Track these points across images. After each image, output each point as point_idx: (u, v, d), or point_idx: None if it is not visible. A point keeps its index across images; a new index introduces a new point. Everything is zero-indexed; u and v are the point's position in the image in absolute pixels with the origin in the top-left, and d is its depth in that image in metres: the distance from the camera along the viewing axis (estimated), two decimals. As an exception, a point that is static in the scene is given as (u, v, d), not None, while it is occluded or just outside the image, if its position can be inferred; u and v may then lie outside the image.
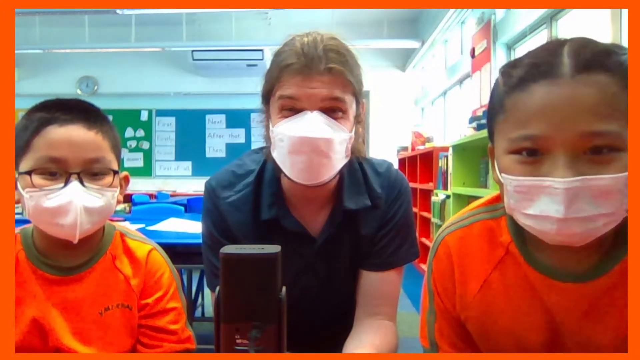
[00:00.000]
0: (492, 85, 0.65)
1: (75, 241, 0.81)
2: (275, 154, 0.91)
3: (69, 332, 0.85)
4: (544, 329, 0.64)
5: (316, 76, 0.85)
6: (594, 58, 0.56)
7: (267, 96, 0.92)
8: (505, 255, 0.68)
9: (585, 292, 0.61)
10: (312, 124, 0.84)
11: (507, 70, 0.62)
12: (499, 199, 0.71)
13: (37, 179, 0.80)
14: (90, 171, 0.82)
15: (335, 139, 0.85)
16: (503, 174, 0.61)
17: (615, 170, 0.54)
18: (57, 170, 0.80)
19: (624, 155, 0.54)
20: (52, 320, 0.84)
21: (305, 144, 0.84)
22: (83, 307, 0.86)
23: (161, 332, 0.90)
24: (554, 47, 0.59)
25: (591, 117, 0.54)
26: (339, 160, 0.89)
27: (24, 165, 0.81)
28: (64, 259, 0.86)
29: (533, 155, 0.57)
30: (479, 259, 0.70)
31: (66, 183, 0.80)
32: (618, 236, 0.61)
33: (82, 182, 0.80)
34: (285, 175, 0.91)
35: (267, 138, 0.94)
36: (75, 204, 0.79)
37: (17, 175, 0.82)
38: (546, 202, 0.55)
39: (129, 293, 0.90)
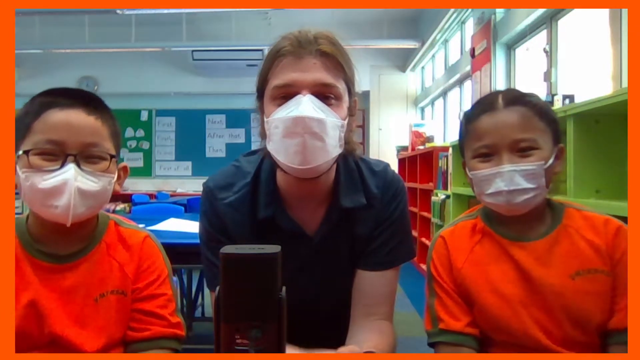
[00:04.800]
0: (460, 118, 1.03)
1: (68, 224, 0.81)
2: (270, 146, 0.90)
3: (64, 317, 0.85)
4: (514, 278, 0.93)
5: (308, 57, 0.87)
6: (515, 98, 0.92)
7: (261, 89, 0.93)
8: (482, 237, 0.98)
9: (537, 246, 0.93)
10: (304, 105, 0.84)
11: (468, 112, 0.99)
12: (473, 209, 1.04)
13: (34, 159, 0.80)
14: (88, 154, 0.83)
15: (327, 120, 0.86)
16: (471, 172, 0.94)
17: (535, 160, 0.88)
18: (55, 152, 0.81)
19: (539, 151, 0.89)
20: (47, 306, 0.84)
21: (299, 124, 0.84)
22: (78, 294, 0.86)
23: (150, 316, 0.90)
24: (492, 95, 0.96)
25: (518, 131, 0.89)
26: (332, 146, 0.88)
27: (23, 148, 0.81)
28: (58, 246, 0.86)
29: (487, 156, 0.92)
30: (464, 240, 0.99)
31: (63, 164, 0.80)
32: (552, 215, 0.96)
33: (78, 165, 0.81)
34: (281, 168, 0.91)
35: (262, 134, 0.94)
36: (70, 185, 0.80)
37: (16, 159, 0.82)
38: (497, 182, 0.89)
39: (124, 280, 0.90)
